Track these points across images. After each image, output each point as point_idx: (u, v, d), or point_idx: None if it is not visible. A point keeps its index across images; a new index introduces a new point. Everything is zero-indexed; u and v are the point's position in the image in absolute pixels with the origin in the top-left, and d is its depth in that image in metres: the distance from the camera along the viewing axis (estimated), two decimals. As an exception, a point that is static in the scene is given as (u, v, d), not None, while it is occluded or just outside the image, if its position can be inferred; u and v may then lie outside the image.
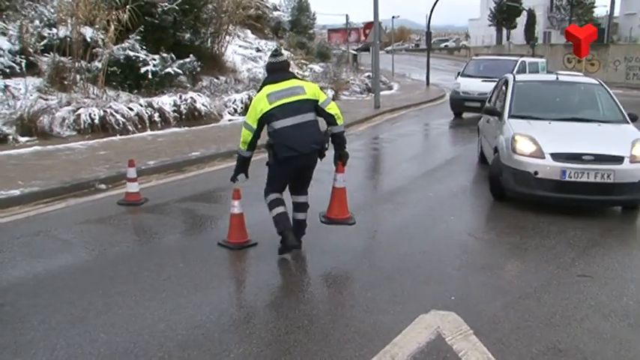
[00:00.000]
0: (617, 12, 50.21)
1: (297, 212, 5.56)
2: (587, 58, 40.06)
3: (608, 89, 8.68)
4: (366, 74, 27.07)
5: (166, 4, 16.47)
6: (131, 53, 14.79)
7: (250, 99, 16.04)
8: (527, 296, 4.66)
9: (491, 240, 6.15)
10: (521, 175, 7.09)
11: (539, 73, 19.31)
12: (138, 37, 15.25)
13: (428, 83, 30.13)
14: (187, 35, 18.12)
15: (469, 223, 6.79)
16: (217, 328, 4.05)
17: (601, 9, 53.44)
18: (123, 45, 14.91)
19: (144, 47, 15.34)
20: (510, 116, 8.19)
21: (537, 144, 7.11)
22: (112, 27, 14.29)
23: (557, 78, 9.14)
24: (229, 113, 15.49)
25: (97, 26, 14.60)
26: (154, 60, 15.13)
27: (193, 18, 18.32)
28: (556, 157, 6.92)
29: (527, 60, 19.67)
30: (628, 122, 7.96)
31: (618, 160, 6.84)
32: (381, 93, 20.74)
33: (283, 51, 24.41)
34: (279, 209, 5.34)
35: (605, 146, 7.00)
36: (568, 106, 8.58)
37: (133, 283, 4.83)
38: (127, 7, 14.62)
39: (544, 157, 6.97)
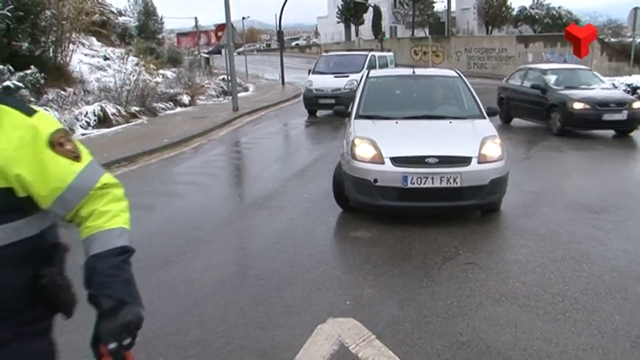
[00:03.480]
0: (453, 7, 53.42)
1: None
2: (432, 50, 42.46)
3: (467, 82, 8.03)
4: (221, 77, 26.59)
5: (-6, 9, 15.07)
6: (-42, 66, 13.35)
7: (103, 110, 15.15)
8: (420, 291, 4.61)
9: (374, 237, 6.05)
10: (361, 184, 6.31)
11: (388, 66, 20.11)
12: (-35, 48, 13.82)
13: (283, 82, 30.19)
14: (25, 44, 16.71)
15: (349, 222, 6.60)
16: None
17: (439, 4, 56.45)
18: (-54, 57, 13.41)
19: (-27, 59, 13.90)
20: (357, 116, 7.40)
21: (377, 148, 6.35)
22: None
23: (413, 72, 8.44)
24: (82, 127, 14.41)
25: None
26: (-12, 73, 13.78)
27: (30, 25, 16.92)
28: (396, 161, 6.18)
29: (377, 54, 20.15)
30: (484, 117, 7.28)
31: (465, 161, 6.18)
32: (239, 95, 20.42)
33: (132, 57, 23.40)
34: None
35: (452, 146, 6.38)
36: (422, 103, 7.90)
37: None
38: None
39: (383, 163, 6.23)
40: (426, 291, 4.61)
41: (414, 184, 6.06)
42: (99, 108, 15.19)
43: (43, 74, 15.64)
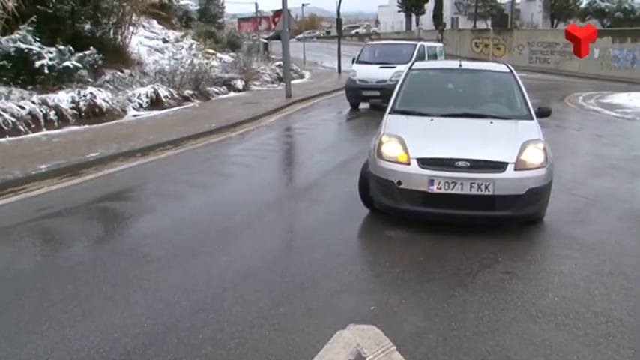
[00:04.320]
0: (518, -2, 51.93)
1: None
2: (493, 43, 41.36)
3: (517, 78, 7.20)
4: (277, 63, 26.52)
5: (61, -9, 15.31)
6: (23, 45, 13.57)
7: (155, 92, 15.28)
8: (451, 300, 4.35)
9: (410, 237, 5.77)
10: (385, 185, 5.81)
11: (438, 58, 18.93)
12: (30, 28, 14.04)
13: (340, 70, 29.93)
14: (87, 26, 16.93)
15: (386, 220, 6.21)
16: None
17: (504, -5, 54.95)
18: (12, 36, 13.68)
19: (38, 39, 14.14)
20: (392, 111, 6.83)
21: (405, 147, 5.83)
22: (-4, 16, 13.11)
23: (460, 65, 7.57)
24: (134, 108, 14.57)
25: (-21, 16, 13.38)
26: (50, 53, 14.00)
27: (93, 7, 17.16)
28: (423, 162, 5.63)
29: (427, 44, 19.02)
30: (532, 118, 6.53)
31: (500, 167, 5.56)
32: (293, 82, 20.30)
33: (191, 41, 23.58)
34: None
35: (487, 149, 5.76)
36: (465, 99, 7.22)
37: (9, 314, 4.17)
38: (13, -7, 13.45)
39: (409, 164, 5.70)
40: (457, 300, 4.34)
41: (440, 189, 5.50)
42: (152, 90, 15.34)
43: (102, 55, 15.84)
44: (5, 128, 10.88)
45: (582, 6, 53.97)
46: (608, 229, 6.12)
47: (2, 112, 11.05)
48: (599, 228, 6.15)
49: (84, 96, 13.13)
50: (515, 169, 5.57)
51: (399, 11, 61.59)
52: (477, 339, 3.78)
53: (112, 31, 18.75)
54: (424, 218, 5.86)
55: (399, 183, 5.67)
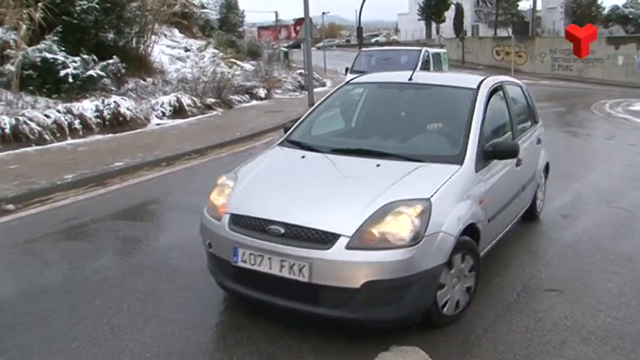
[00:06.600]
0: (539, 6, 51.39)
1: None
2: (515, 50, 41.00)
3: (481, 99, 4.87)
4: (299, 71, 26.45)
5: (85, 2, 15.36)
6: (48, 55, 13.64)
7: (178, 101, 15.23)
8: (496, 320, 4.14)
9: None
10: (205, 244, 4.37)
11: (442, 65, 17.31)
12: (55, 38, 14.15)
13: (361, 78, 29.69)
14: (110, 35, 17.01)
15: None
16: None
17: (524, 3, 54.67)
18: (38, 46, 13.76)
19: (63, 49, 14.21)
20: (283, 141, 5.20)
21: (230, 193, 4.33)
22: (24, 26, 13.16)
23: (410, 79, 5.36)
24: (157, 117, 14.54)
25: (6, 25, 13.44)
26: (75, 62, 14.06)
27: (116, 17, 17.20)
28: (234, 221, 4.04)
29: (430, 50, 17.10)
30: (459, 162, 4.29)
31: (324, 240, 3.64)
32: (315, 90, 20.16)
33: (212, 49, 23.58)
34: None
35: (320, 210, 3.86)
36: (388, 128, 5.27)
37: (38, 330, 4.04)
38: (40, 4, 13.49)
39: (220, 220, 4.15)
40: (502, 320, 4.13)
41: (245, 262, 3.86)
42: (175, 99, 15.31)
43: (124, 64, 15.89)
44: (31, 137, 10.88)
45: (605, 12, 53.50)
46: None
47: (29, 121, 11.05)
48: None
49: (108, 105, 13.12)
50: (348, 246, 3.59)
51: (419, 19, 61.47)
52: (527, 363, 3.57)
53: (134, 40, 18.81)
54: (238, 297, 4.29)
55: (210, 245, 4.26)
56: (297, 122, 5.43)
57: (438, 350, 3.69)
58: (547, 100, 20.40)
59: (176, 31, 25.87)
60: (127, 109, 13.48)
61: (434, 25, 61.15)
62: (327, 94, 5.84)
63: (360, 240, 3.60)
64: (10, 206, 7.16)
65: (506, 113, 5.46)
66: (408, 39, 65.31)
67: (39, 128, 11.14)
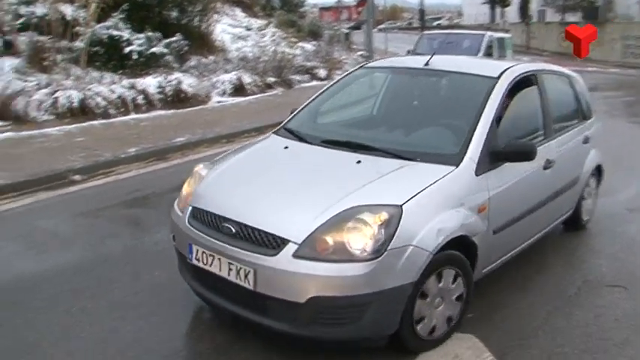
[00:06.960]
0: (612, -10, 49.39)
1: None
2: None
3: (501, 89, 4.22)
4: (359, 53, 26.28)
5: (151, -19, 15.70)
6: (115, 32, 14.02)
7: (239, 79, 15.39)
8: (555, 313, 4.05)
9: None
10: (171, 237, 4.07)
11: (506, 51, 16.56)
12: (121, 16, 14.51)
13: (422, 62, 29.30)
14: (174, 14, 17.34)
15: None
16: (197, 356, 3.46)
17: (596, -13, 52.48)
18: (106, 24, 14.14)
19: (128, 26, 14.57)
20: (279, 129, 4.77)
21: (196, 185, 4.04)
22: (93, 5, 13.52)
23: (427, 64, 4.76)
24: (218, 95, 14.74)
25: (76, 4, 13.84)
26: (139, 39, 14.40)
27: (180, -5, 17.55)
28: (194, 215, 3.75)
29: (495, 35, 16.39)
30: (455, 164, 3.68)
31: (272, 244, 3.24)
32: (376, 72, 20.01)
33: (273, 29, 23.68)
34: None
35: (276, 211, 3.43)
36: (392, 119, 4.89)
37: (102, 296, 4.20)
38: (109, -17, 13.85)
39: (183, 212, 3.87)
40: (561, 313, 4.04)
41: (198, 260, 3.56)
42: (235, 77, 15.45)
43: (187, 42, 16.17)
44: (97, 111, 11.18)
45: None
46: None
47: (95, 96, 11.36)
48: None
49: (170, 81, 13.35)
50: (296, 255, 3.15)
51: (483, 3, 60.03)
52: (586, 358, 3.49)
53: (197, 18, 19.06)
54: (200, 297, 3.85)
55: (174, 238, 3.98)
56: (299, 108, 5.00)
57: (492, 338, 3.65)
58: (615, 89, 19.65)
59: (238, 11, 26.07)
60: (189, 85, 13.69)
61: (498, 9, 59.65)
62: (339, 78, 5.43)
63: (312, 248, 3.13)
64: (77, 177, 7.43)
65: (537, 108, 4.77)
66: (471, 23, 64.00)
67: (104, 103, 11.45)
